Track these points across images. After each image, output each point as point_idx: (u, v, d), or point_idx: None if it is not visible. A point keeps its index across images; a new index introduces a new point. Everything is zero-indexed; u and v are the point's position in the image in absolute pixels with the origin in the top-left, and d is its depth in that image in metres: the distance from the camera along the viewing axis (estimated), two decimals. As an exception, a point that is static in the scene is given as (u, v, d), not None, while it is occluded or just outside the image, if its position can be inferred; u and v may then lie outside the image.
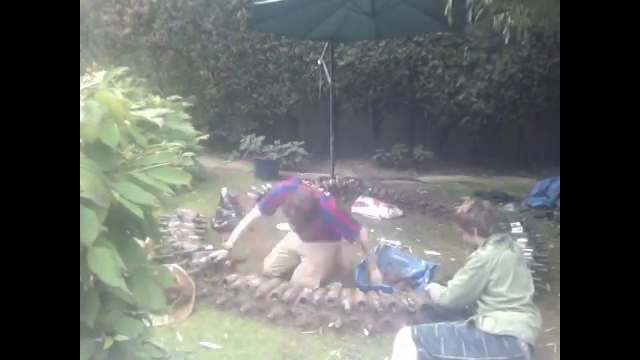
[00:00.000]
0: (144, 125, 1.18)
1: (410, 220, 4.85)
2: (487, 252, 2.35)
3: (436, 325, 2.28)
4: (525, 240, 3.82)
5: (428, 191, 5.86)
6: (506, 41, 3.57)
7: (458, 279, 2.41)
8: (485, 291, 2.31)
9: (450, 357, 2.14)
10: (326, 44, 5.83)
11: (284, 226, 4.04)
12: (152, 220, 1.15)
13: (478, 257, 2.35)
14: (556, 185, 5.24)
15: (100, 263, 0.90)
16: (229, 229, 3.70)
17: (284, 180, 3.05)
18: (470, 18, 3.35)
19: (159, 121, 1.16)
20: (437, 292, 2.55)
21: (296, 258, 3.17)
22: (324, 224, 2.99)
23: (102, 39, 7.60)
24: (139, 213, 0.96)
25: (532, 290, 2.34)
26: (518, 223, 4.29)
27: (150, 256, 2.92)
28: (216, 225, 4.11)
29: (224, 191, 4.35)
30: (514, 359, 2.13)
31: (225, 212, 4.17)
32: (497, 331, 2.17)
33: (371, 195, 5.33)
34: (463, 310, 2.50)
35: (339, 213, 3.12)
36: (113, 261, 0.92)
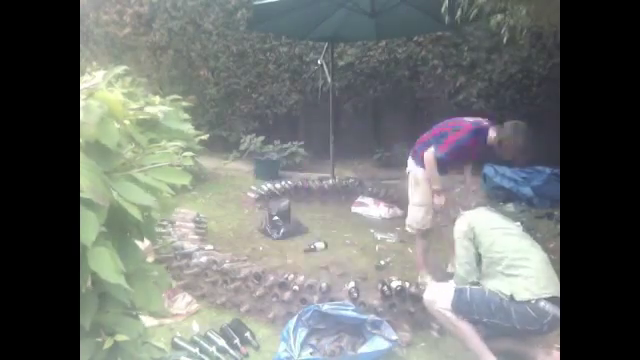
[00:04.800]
0: (144, 124, 1.18)
1: (410, 220, 4.84)
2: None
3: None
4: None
5: (428, 191, 5.84)
6: (504, 41, 3.56)
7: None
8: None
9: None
10: (326, 44, 5.83)
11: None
12: (150, 221, 1.15)
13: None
14: (540, 184, 5.29)
15: (99, 262, 0.91)
16: (287, 236, 4.08)
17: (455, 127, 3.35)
18: (460, 17, 3.33)
19: (160, 115, 1.16)
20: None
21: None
22: None
23: (102, 39, 7.61)
24: (136, 214, 0.96)
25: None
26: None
27: (151, 258, 2.92)
28: (275, 236, 4.12)
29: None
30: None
31: (279, 222, 4.21)
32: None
33: (371, 195, 5.33)
34: None
35: None
36: (112, 260, 0.92)
